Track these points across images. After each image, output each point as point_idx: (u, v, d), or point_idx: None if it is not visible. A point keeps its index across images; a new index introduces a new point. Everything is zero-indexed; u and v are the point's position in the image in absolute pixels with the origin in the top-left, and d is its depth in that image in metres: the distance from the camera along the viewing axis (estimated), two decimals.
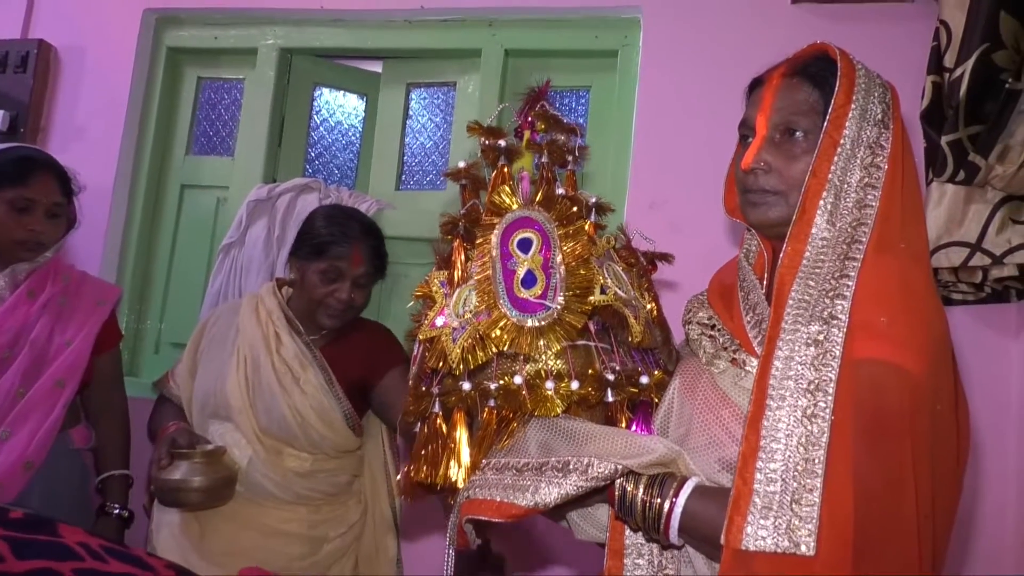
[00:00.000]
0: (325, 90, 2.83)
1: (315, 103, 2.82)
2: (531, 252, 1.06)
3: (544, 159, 1.14)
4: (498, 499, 1.00)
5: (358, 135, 2.85)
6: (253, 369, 1.82)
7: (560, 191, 1.12)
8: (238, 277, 2.53)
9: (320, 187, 2.58)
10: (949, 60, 1.85)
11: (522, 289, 1.05)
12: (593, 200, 1.15)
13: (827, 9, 2.23)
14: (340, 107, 2.85)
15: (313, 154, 2.81)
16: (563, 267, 1.05)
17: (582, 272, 1.05)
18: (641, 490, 0.98)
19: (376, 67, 2.82)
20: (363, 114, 2.85)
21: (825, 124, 1.03)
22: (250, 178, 2.64)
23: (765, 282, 1.11)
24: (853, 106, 1.02)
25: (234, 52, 2.80)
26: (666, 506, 0.97)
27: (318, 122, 2.82)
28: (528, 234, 1.07)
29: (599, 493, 1.02)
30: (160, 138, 2.79)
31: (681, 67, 2.32)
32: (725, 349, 1.08)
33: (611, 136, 2.41)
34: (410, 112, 2.76)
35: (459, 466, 1.05)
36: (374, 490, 2.01)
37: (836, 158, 1.01)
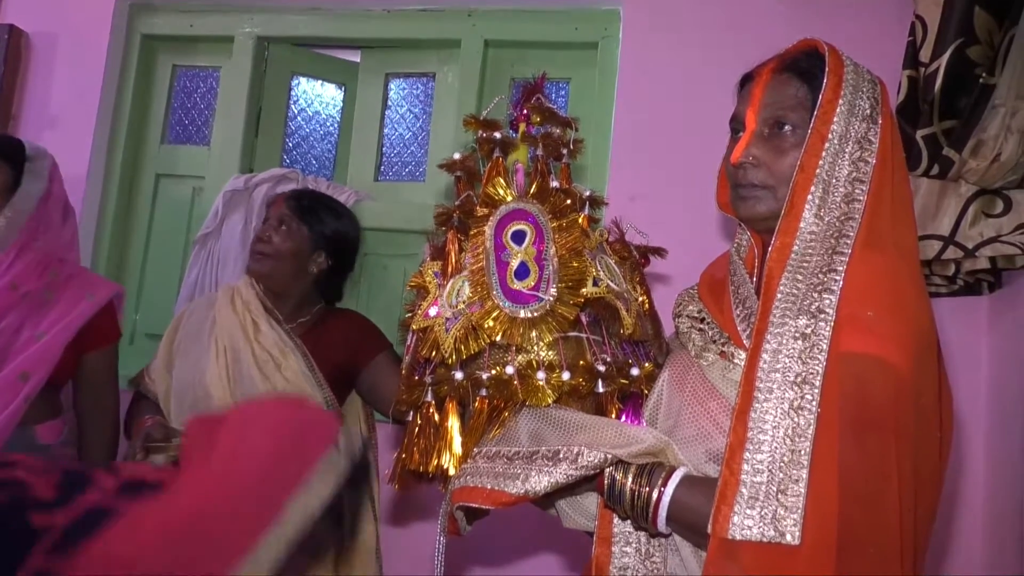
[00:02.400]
0: (303, 79, 2.80)
1: (293, 92, 2.79)
2: (525, 244, 1.07)
3: (539, 152, 1.15)
4: (488, 487, 1.01)
5: (336, 125, 2.83)
6: (233, 359, 1.81)
7: (554, 184, 1.13)
8: (214, 268, 2.50)
9: (298, 178, 2.56)
10: (924, 55, 1.88)
11: (515, 280, 1.05)
12: (587, 193, 1.16)
13: (806, 3, 2.26)
14: (318, 97, 2.83)
15: (291, 144, 2.79)
16: (556, 259, 1.06)
17: (575, 264, 1.06)
18: (630, 479, 1.00)
19: (355, 56, 2.80)
20: (341, 104, 2.83)
21: (813, 119, 1.04)
22: (226, 168, 2.61)
23: (755, 276, 1.12)
24: (841, 101, 1.04)
25: (210, 40, 2.76)
26: (654, 495, 0.98)
27: (296, 112, 2.80)
28: (522, 226, 1.08)
29: (588, 482, 1.03)
30: (134, 127, 2.75)
31: (661, 59, 2.33)
32: (714, 342, 1.09)
33: (591, 129, 2.42)
34: (389, 102, 2.75)
35: (451, 455, 1.05)
36: None
37: (824, 153, 1.03)
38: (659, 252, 1.23)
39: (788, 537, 0.86)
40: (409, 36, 2.63)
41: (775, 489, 0.87)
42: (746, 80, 1.16)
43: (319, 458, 1.01)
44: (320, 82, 2.82)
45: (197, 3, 2.72)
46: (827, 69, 1.06)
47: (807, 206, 1.02)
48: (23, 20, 2.70)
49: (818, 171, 1.03)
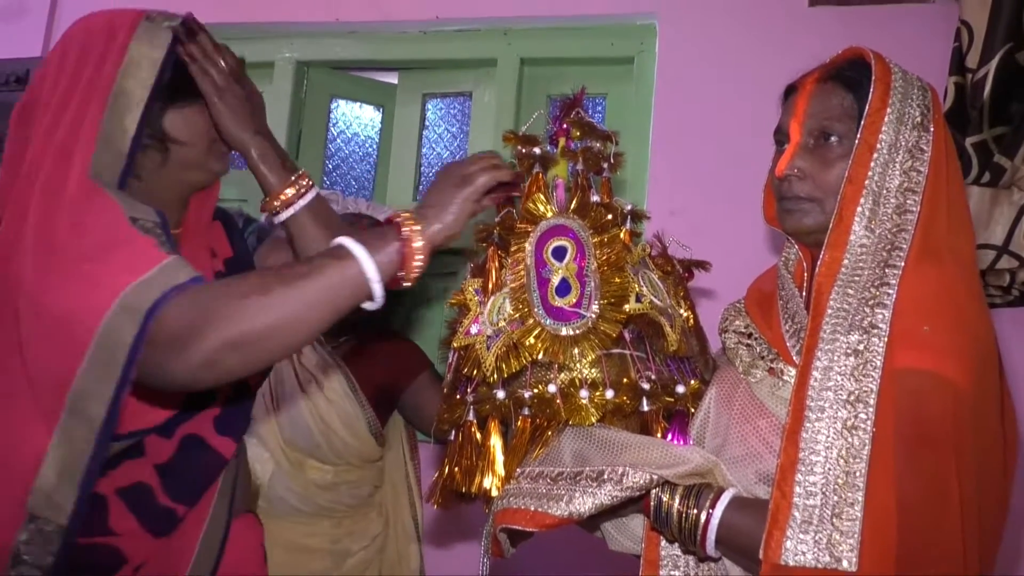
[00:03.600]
0: (342, 102, 2.84)
1: (332, 115, 2.82)
2: (566, 260, 1.05)
3: (579, 166, 1.13)
4: (532, 508, 1.00)
5: (375, 146, 2.86)
6: (276, 380, 1.83)
7: (595, 198, 1.11)
8: None
9: (338, 199, 2.58)
10: (972, 61, 1.84)
11: (556, 297, 1.04)
12: (628, 207, 1.14)
13: (845, 11, 2.22)
14: (357, 119, 2.86)
15: (331, 166, 2.82)
16: (598, 275, 1.04)
17: (617, 280, 1.04)
18: (677, 501, 0.97)
19: (392, 78, 2.83)
20: (380, 125, 2.86)
21: (860, 129, 1.02)
22: None
23: (804, 291, 1.09)
24: (889, 110, 1.01)
25: (251, 66, 2.74)
26: (703, 517, 0.96)
27: (335, 134, 2.83)
28: (563, 242, 1.06)
29: (634, 503, 1.01)
30: None
31: (698, 73, 2.31)
32: (762, 358, 1.07)
33: (629, 143, 2.38)
34: (426, 122, 2.77)
35: (493, 475, 1.04)
36: (396, 501, 2.01)
37: (873, 163, 1.00)
38: (703, 265, 1.21)
39: (844, 563, 0.83)
40: (445, 57, 2.64)
41: (829, 512, 0.84)
42: (790, 91, 1.14)
43: (127, 31, 1.03)
44: (358, 104, 2.85)
45: (238, 31, 2.77)
46: (874, 77, 1.03)
47: (856, 218, 1.00)
48: None
49: (867, 182, 1.00)
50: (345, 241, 0.91)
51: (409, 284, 0.94)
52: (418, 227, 0.93)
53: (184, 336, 0.82)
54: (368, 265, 0.89)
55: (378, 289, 0.90)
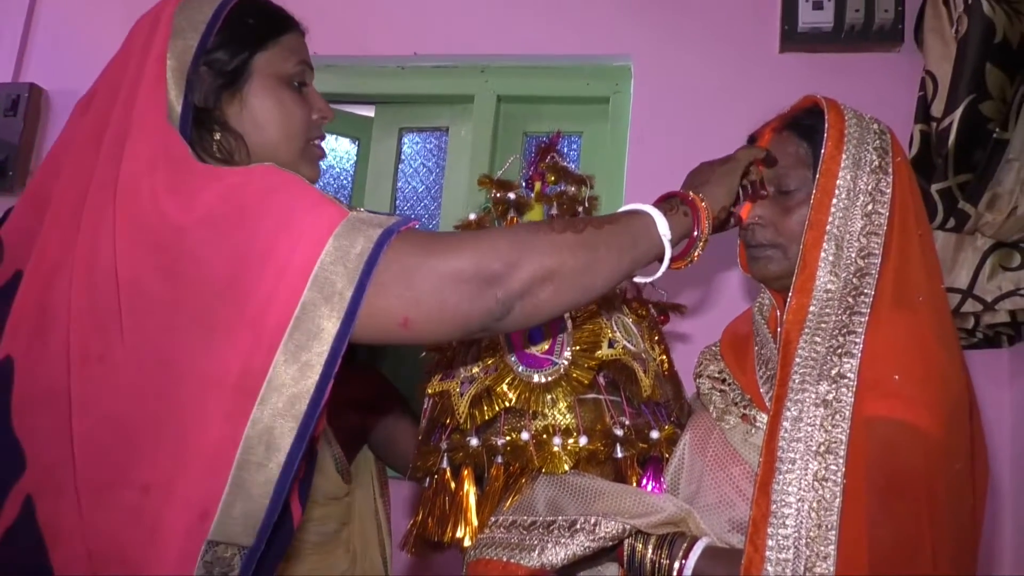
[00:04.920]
0: None
1: None
2: None
3: (554, 211, 1.14)
4: (504, 559, 0.98)
5: (350, 179, 2.86)
6: None
7: None
8: None
9: None
10: (936, 110, 1.89)
11: (529, 344, 1.04)
12: None
13: (814, 59, 2.27)
14: (332, 151, 2.85)
15: None
16: (570, 321, 1.05)
17: (589, 327, 1.05)
18: (650, 550, 0.97)
19: (369, 112, 2.83)
20: (355, 158, 2.86)
21: (817, 175, 1.04)
22: None
23: (777, 337, 1.10)
24: (844, 156, 1.03)
25: None
26: (676, 567, 0.96)
27: None
28: None
29: (608, 552, 1.01)
30: None
31: (672, 114, 2.34)
32: (735, 404, 1.07)
33: (603, 183, 2.42)
34: (402, 156, 2.77)
35: (466, 524, 1.03)
36: (364, 539, 1.97)
37: (832, 208, 1.02)
38: (679, 309, 1.22)
39: None
40: (422, 92, 2.66)
41: (802, 567, 0.84)
42: (751, 142, 1.17)
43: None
44: (335, 137, 2.85)
45: None
46: (827, 124, 1.06)
47: (820, 264, 1.01)
48: (43, 78, 2.74)
49: (828, 227, 1.02)
50: (633, 205, 0.97)
51: (699, 251, 0.99)
52: (699, 194, 1.00)
53: (500, 269, 0.82)
54: (661, 222, 0.94)
55: (669, 248, 0.95)
